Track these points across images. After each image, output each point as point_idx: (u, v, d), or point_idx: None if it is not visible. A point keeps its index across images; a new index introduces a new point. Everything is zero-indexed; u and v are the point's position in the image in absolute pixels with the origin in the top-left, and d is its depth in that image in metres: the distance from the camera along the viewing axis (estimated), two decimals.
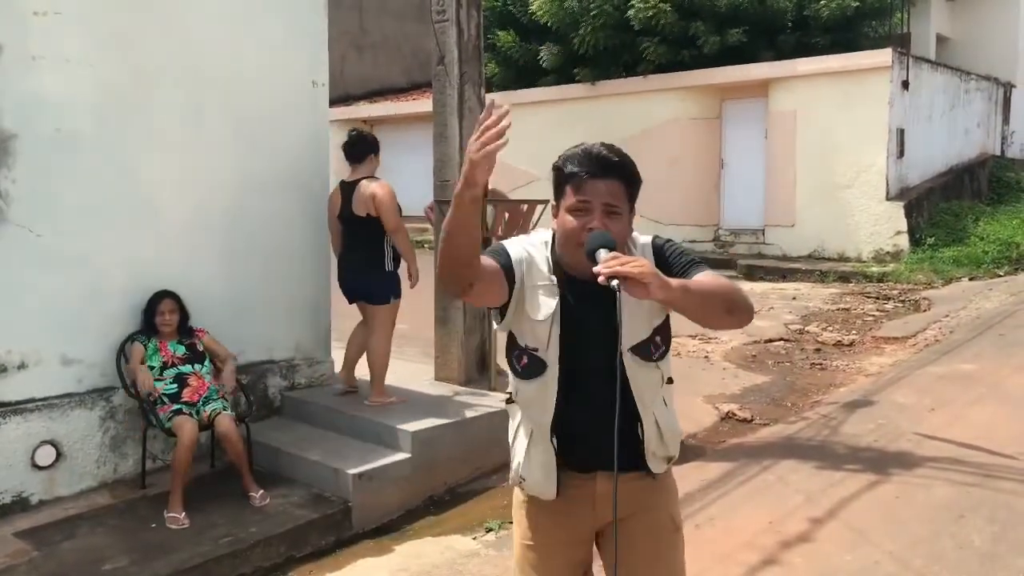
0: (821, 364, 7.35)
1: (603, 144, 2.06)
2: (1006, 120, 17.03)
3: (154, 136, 4.91)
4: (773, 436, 5.40)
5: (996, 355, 6.89)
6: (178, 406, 4.53)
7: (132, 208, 4.82)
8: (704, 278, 2.01)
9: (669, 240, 2.17)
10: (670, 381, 2.18)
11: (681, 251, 2.12)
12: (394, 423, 4.87)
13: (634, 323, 2.02)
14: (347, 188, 5.34)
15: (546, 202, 5.98)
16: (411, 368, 6.37)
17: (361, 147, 5.42)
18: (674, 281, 1.89)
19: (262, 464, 4.84)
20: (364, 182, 5.31)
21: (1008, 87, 16.81)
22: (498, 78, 16.10)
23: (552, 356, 2.07)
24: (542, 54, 15.13)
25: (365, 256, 5.27)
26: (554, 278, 2.09)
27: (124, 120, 4.78)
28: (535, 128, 14.55)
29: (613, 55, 14.49)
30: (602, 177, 2.00)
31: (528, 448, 2.16)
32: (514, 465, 2.21)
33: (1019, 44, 17.15)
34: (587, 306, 2.02)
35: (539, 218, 5.84)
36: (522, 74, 15.92)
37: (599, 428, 2.01)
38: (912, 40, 14.79)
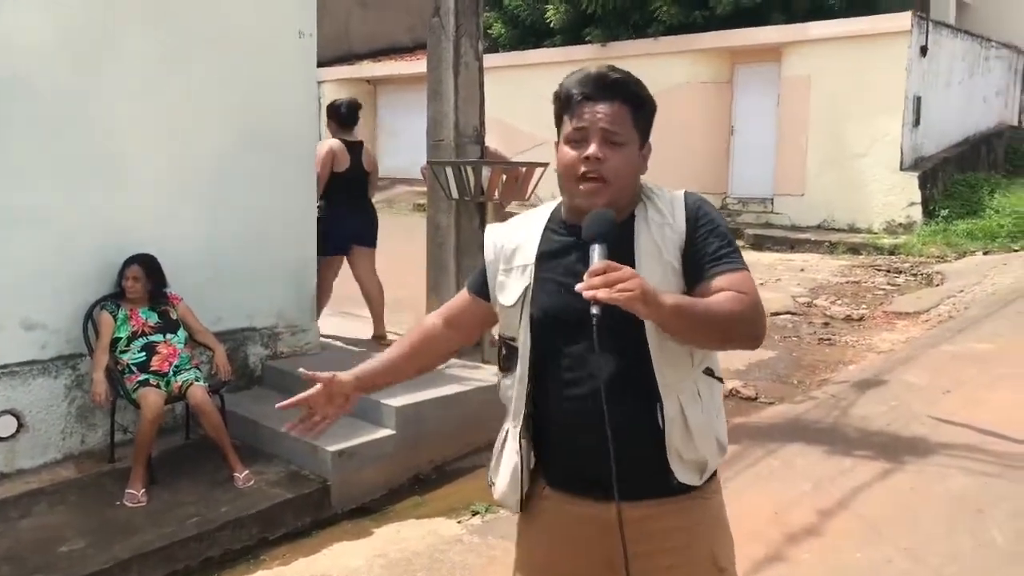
0: (829, 339, 7.06)
1: (607, 65, 1.76)
2: None
3: (126, 84, 4.58)
4: (779, 416, 5.12)
5: (1014, 334, 6.58)
6: (146, 376, 4.26)
7: (100, 163, 4.51)
8: (723, 284, 1.65)
9: (705, 203, 1.77)
10: (709, 373, 1.78)
11: (715, 228, 1.72)
12: (378, 396, 4.60)
13: (651, 273, 1.65)
14: (354, 147, 5.95)
15: (545, 165, 5.72)
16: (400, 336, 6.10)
17: (356, 114, 6.15)
18: (669, 298, 1.55)
19: (239, 437, 4.58)
20: (365, 144, 6.16)
21: None
22: (504, 38, 15.68)
23: (523, 339, 1.78)
24: (549, 13, 14.67)
25: (370, 206, 6.07)
26: (531, 263, 1.80)
27: (91, 65, 4.44)
28: (541, 90, 13.92)
29: (623, 15, 14.06)
30: (600, 99, 1.70)
31: (501, 447, 1.88)
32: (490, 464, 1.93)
33: None
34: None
35: (539, 181, 5.54)
36: (528, 34, 15.47)
37: (595, 426, 1.64)
38: (931, 4, 14.28)
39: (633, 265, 1.64)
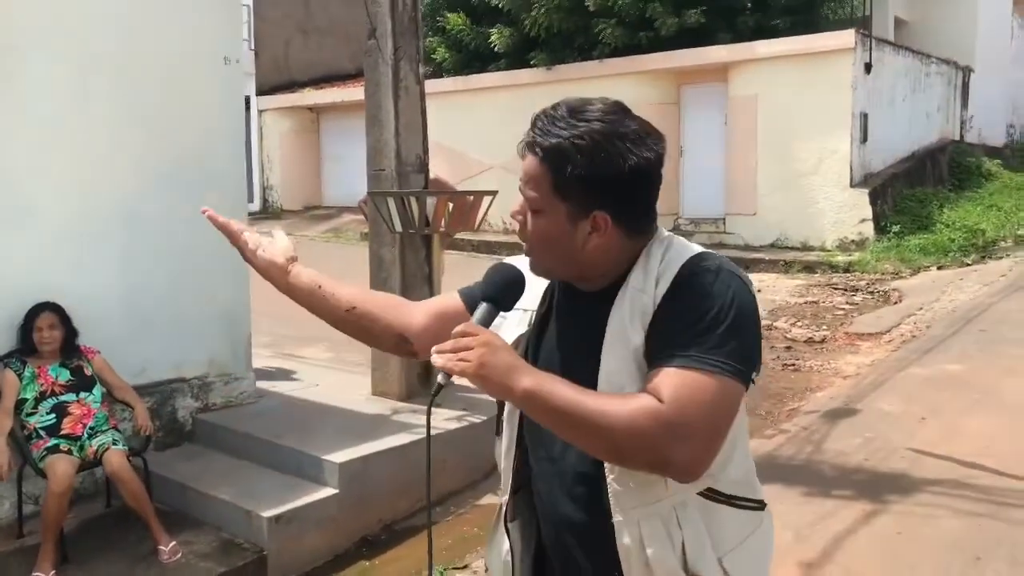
0: (794, 364, 6.82)
1: (571, 102, 1.37)
2: (964, 105, 16.76)
3: (25, 120, 4.15)
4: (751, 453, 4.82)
5: (982, 354, 6.41)
6: (56, 441, 3.80)
7: None
8: (655, 384, 1.26)
9: (706, 274, 1.33)
10: (712, 496, 1.38)
11: (694, 305, 1.30)
12: (319, 452, 4.20)
13: (613, 360, 1.36)
14: None
15: (494, 193, 5.39)
16: (346, 380, 5.72)
17: None
18: (526, 380, 1.26)
19: (166, 502, 4.15)
20: None
21: (967, 71, 16.53)
22: (448, 62, 15.40)
23: (509, 409, 1.55)
24: (493, 37, 14.45)
25: None
26: (533, 308, 1.53)
27: None
28: (488, 115, 13.91)
29: (568, 38, 13.88)
30: (528, 152, 1.38)
31: (494, 524, 1.63)
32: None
33: (977, 27, 16.88)
34: (573, 332, 1.46)
35: (488, 210, 5.22)
36: (473, 58, 15.22)
37: (561, 526, 1.48)
38: (871, 22, 14.39)
39: (598, 350, 1.37)
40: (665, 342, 1.29)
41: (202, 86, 4.87)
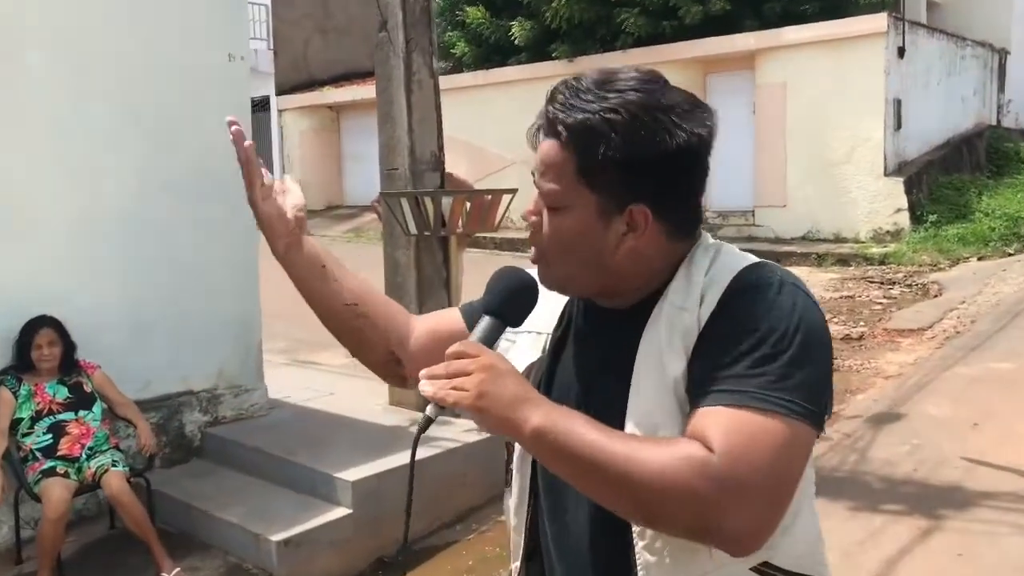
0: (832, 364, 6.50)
1: (594, 72, 1.11)
2: (1001, 88, 16.21)
3: (21, 125, 3.96)
4: None
5: None
6: (52, 463, 3.61)
7: None
8: (698, 426, 0.99)
9: (762, 289, 1.05)
10: (767, 571, 1.09)
11: (745, 328, 1.02)
12: (332, 470, 3.97)
13: (645, 394, 1.09)
14: None
15: (514, 191, 5.13)
16: (363, 387, 5.46)
17: None
18: (536, 416, 1.00)
19: (171, 523, 3.96)
20: None
21: (1003, 53, 16.00)
22: (468, 57, 15.16)
23: (519, 454, 1.28)
24: (514, 30, 14.17)
25: None
26: (548, 331, 1.26)
27: None
28: (508, 109, 13.63)
29: (590, 29, 13.59)
30: (543, 135, 1.12)
31: None
32: None
33: (1013, 8, 16.33)
34: (594, 359, 1.18)
35: (507, 209, 4.96)
36: (493, 52, 14.96)
37: None
38: (904, 5, 13.94)
39: (626, 382, 1.09)
40: (713, 373, 1.02)
41: (206, 86, 4.65)
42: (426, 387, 1.03)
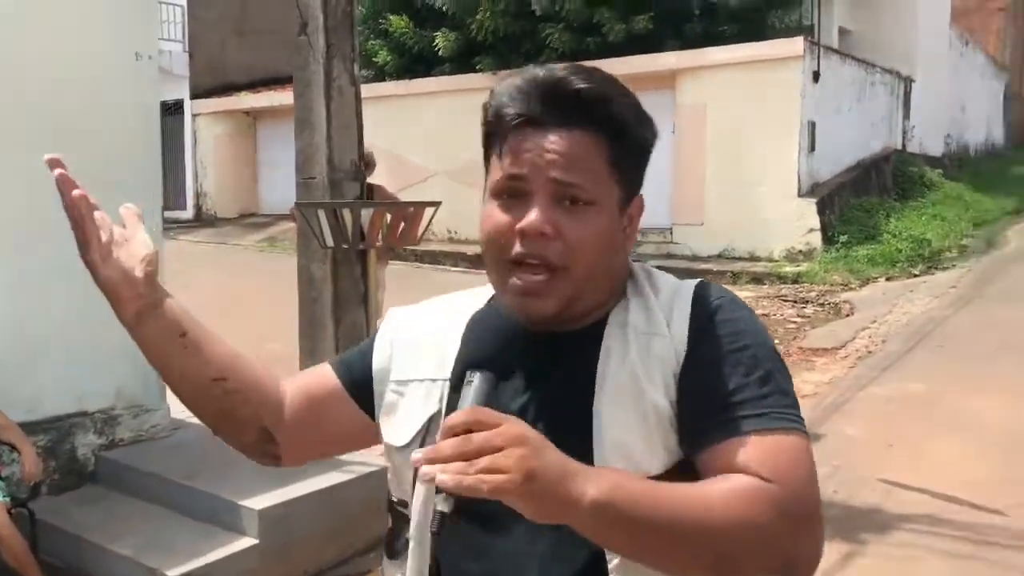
0: None
1: (564, 64, 1.01)
2: (907, 115, 16.90)
3: None
4: None
5: (942, 372, 6.20)
6: None
7: None
8: (738, 460, 0.90)
9: (729, 303, 1.02)
10: None
11: (740, 347, 0.97)
12: (237, 496, 3.73)
13: (620, 425, 0.97)
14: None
15: (437, 204, 4.99)
16: None
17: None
18: (592, 487, 0.84)
19: (57, 555, 3.65)
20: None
21: (908, 81, 16.67)
22: (391, 66, 14.96)
23: (418, 523, 1.05)
24: (438, 41, 14.05)
25: None
26: (444, 377, 1.07)
27: None
28: (431, 120, 13.52)
29: (514, 43, 13.58)
30: (552, 124, 0.97)
31: None
32: None
33: (918, 38, 17.05)
34: (549, 394, 1.04)
35: (430, 222, 4.82)
36: (416, 62, 14.81)
37: None
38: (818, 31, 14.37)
39: (590, 407, 0.97)
40: (723, 401, 0.94)
41: (111, 86, 4.36)
42: (441, 476, 0.81)
